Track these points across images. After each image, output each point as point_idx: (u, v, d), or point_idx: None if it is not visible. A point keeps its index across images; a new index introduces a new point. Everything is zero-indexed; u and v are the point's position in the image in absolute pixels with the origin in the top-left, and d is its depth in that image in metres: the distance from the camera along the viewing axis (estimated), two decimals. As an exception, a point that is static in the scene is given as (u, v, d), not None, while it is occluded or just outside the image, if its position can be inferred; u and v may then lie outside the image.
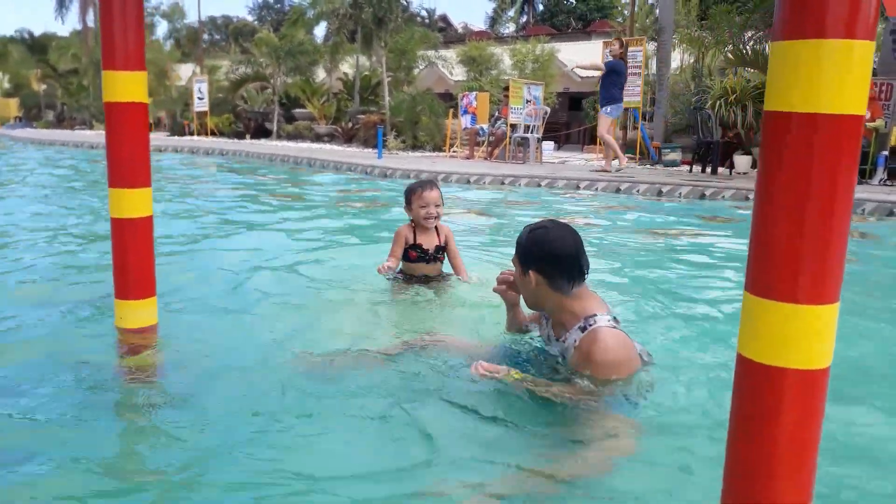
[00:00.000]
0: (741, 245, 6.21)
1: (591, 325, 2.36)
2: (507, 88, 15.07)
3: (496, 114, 15.45)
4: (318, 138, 21.88)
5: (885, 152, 11.32)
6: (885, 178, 11.18)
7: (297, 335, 3.26)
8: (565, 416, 2.27)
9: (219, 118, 24.20)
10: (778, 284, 1.37)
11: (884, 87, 11.87)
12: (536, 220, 2.58)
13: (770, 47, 1.38)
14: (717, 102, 14.48)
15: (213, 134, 23.76)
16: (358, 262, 4.55)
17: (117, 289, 2.96)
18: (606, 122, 12.25)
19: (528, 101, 14.72)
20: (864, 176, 11.49)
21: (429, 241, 3.94)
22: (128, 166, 2.84)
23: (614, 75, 11.95)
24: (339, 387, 2.61)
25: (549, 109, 14.72)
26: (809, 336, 1.37)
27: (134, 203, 2.87)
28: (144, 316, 3.02)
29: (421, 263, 3.95)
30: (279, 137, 22.94)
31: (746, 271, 1.44)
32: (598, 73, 12.83)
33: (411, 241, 3.92)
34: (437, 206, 3.86)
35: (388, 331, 3.29)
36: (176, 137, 23.65)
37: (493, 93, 18.95)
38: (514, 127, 14.64)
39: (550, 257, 2.38)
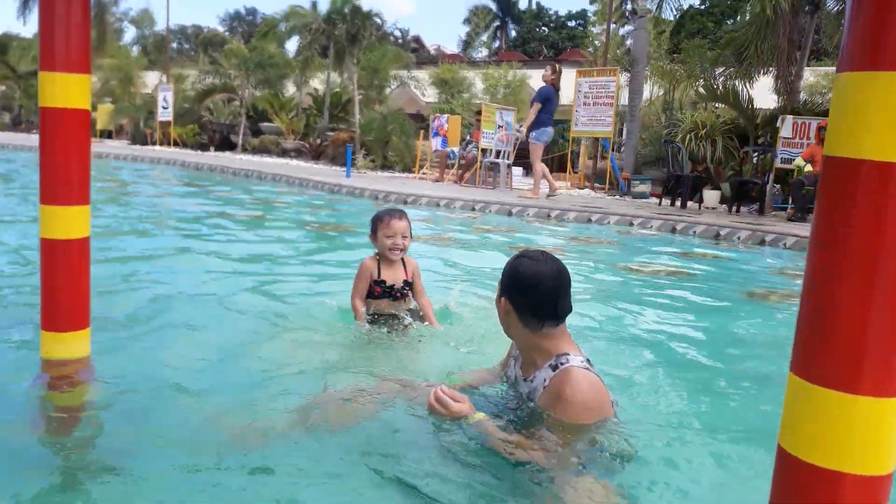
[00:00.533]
0: (718, 286, 6.06)
1: (562, 365, 2.18)
2: (479, 112, 14.94)
3: (468, 137, 15.30)
4: (284, 153, 21.49)
5: None
6: (852, 219, 11.24)
7: (247, 378, 2.95)
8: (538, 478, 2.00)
9: (183, 129, 23.64)
10: (838, 369, 1.13)
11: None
12: (521, 248, 2.35)
13: (835, 81, 1.14)
14: (688, 136, 14.55)
15: (175, 144, 23.18)
16: (320, 291, 4.25)
17: (45, 318, 2.62)
18: (537, 150, 11.93)
19: (500, 127, 14.59)
20: (831, 216, 11.55)
21: (394, 276, 3.65)
22: (63, 181, 2.51)
23: (545, 101, 11.74)
24: (289, 446, 2.29)
25: (520, 136, 14.58)
26: (872, 434, 1.13)
27: (69, 222, 2.54)
28: (75, 348, 2.69)
29: (385, 300, 3.66)
30: (244, 151, 22.48)
31: (794, 348, 1.19)
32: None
33: (375, 276, 3.62)
34: (404, 237, 3.58)
35: (342, 375, 2.97)
36: (137, 146, 23.03)
37: (464, 116, 18.82)
38: (484, 151, 14.48)
39: (524, 289, 2.21)
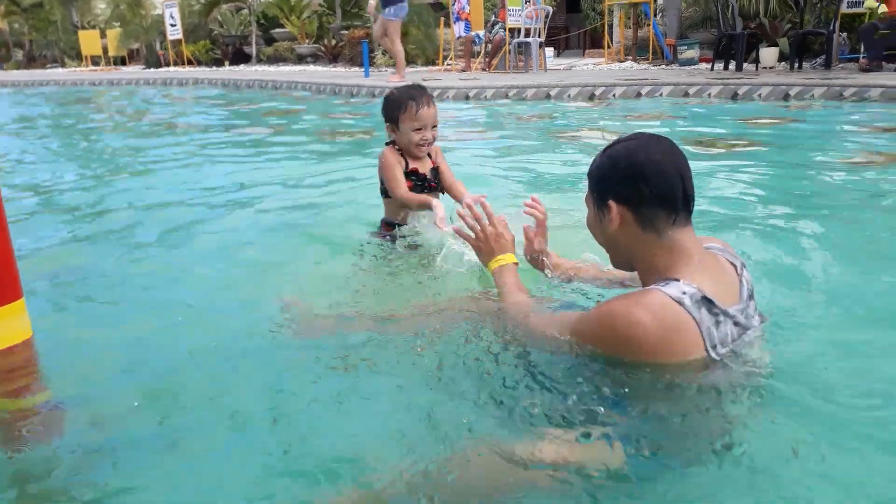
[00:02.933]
0: (806, 153, 5.13)
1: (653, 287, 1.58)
2: (502, -11, 13.56)
3: (493, 18, 13.98)
4: (300, 59, 20.36)
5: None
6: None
7: (263, 323, 2.22)
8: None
9: (195, 46, 22.53)
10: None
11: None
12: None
13: None
14: (737, -11, 13.01)
15: (190, 63, 22.18)
16: (342, 213, 3.51)
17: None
18: (396, 27, 10.60)
19: (527, 2, 13.24)
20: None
21: (423, 165, 2.93)
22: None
23: None
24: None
25: (550, 9, 13.26)
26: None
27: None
28: (11, 330, 2.02)
29: (417, 193, 2.91)
30: (259, 62, 21.39)
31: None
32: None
33: (404, 168, 2.88)
34: (433, 126, 2.83)
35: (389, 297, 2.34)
36: (151, 70, 22.12)
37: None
38: (512, 32, 13.22)
39: (640, 177, 1.58)
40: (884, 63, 10.16)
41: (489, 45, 13.82)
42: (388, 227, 2.98)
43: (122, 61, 26.32)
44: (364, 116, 8.68)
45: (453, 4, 14.93)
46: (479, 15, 14.56)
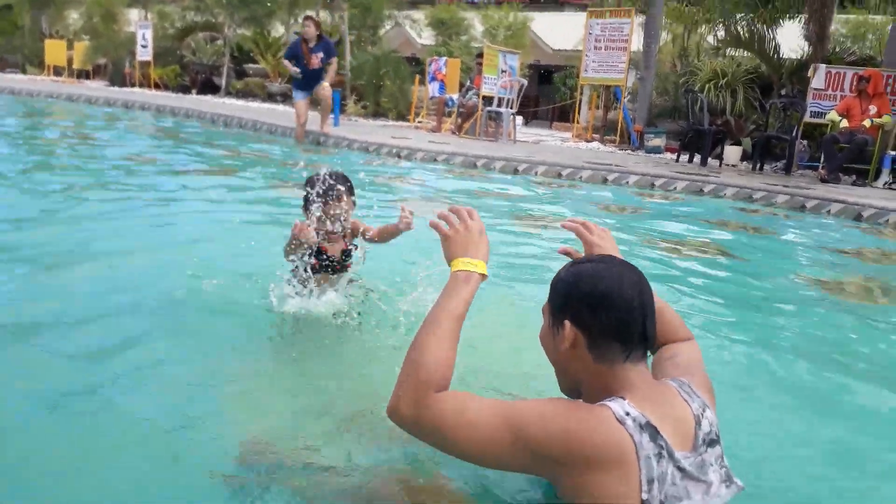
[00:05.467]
0: (774, 267, 5.07)
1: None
2: (480, 55, 13.67)
3: (468, 83, 14.04)
4: (270, 97, 20.15)
5: (893, 152, 10.34)
6: (891, 180, 10.20)
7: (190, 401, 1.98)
8: None
9: (163, 69, 22.17)
10: None
11: (890, 80, 10.86)
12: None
13: None
14: (707, 86, 13.37)
15: (156, 86, 21.76)
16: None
17: None
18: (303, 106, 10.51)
19: (503, 72, 13.35)
20: (869, 177, 10.51)
21: (333, 248, 3.01)
22: None
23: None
24: None
25: (525, 83, 13.38)
26: None
27: None
28: None
29: (324, 274, 2.99)
30: (228, 94, 21.10)
31: None
32: None
33: (314, 247, 2.92)
34: (345, 217, 2.91)
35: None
36: (115, 88, 21.60)
37: (463, 59, 17.49)
38: (486, 99, 13.27)
39: (601, 306, 1.49)
40: (841, 175, 10.43)
41: (462, 109, 13.83)
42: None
43: (86, 75, 25.71)
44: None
45: (430, 64, 14.98)
46: (454, 78, 14.62)
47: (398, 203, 3.00)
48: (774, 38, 13.69)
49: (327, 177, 2.87)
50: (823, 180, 10.10)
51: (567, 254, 1.91)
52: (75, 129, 11.15)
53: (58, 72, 23.89)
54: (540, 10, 28.55)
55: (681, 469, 1.42)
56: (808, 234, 6.75)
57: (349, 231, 3.04)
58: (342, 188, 2.87)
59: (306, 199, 2.90)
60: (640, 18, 14.34)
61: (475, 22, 23.41)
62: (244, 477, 1.81)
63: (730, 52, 15.03)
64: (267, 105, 18.59)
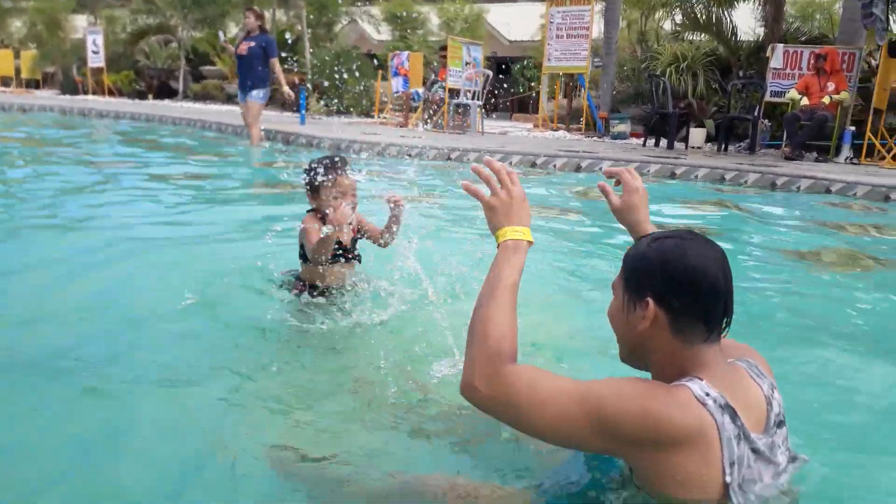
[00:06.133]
0: (756, 243, 5.17)
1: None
2: (443, 48, 13.65)
3: (432, 77, 14.02)
4: (229, 99, 19.85)
5: (852, 128, 10.63)
6: (852, 155, 10.49)
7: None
8: None
9: (117, 75, 21.69)
10: None
11: (846, 57, 11.15)
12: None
13: None
14: (668, 70, 13.56)
15: (110, 93, 21.28)
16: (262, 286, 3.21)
17: None
18: (258, 109, 9.83)
19: (467, 63, 13.36)
20: (830, 153, 10.79)
21: (342, 235, 2.82)
22: None
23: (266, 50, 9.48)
24: None
25: (490, 74, 13.41)
26: None
27: None
28: None
29: (336, 265, 2.91)
30: (186, 98, 20.75)
31: None
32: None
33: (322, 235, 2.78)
34: (354, 194, 2.83)
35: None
36: (67, 97, 21.07)
37: (424, 54, 17.47)
38: (451, 92, 13.27)
39: (690, 287, 1.44)
40: (804, 152, 10.68)
41: (428, 103, 13.81)
42: (302, 286, 3.00)
43: (35, 84, 25.03)
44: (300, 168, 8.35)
45: (392, 59, 14.92)
46: (417, 72, 14.60)
47: (379, 198, 2.95)
48: (731, 20, 13.95)
49: (330, 157, 2.86)
50: (788, 158, 10.33)
51: (604, 191, 1.89)
52: (43, 140, 10.83)
53: (5, 82, 23.22)
54: (494, 2, 28.61)
55: (755, 451, 1.42)
56: (783, 209, 6.90)
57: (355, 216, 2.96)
58: (346, 161, 2.85)
59: (311, 184, 2.84)
60: (599, 6, 14.47)
61: (431, 15, 23.40)
62: (267, 475, 1.80)
63: (688, 35, 15.26)
64: (227, 107, 18.31)
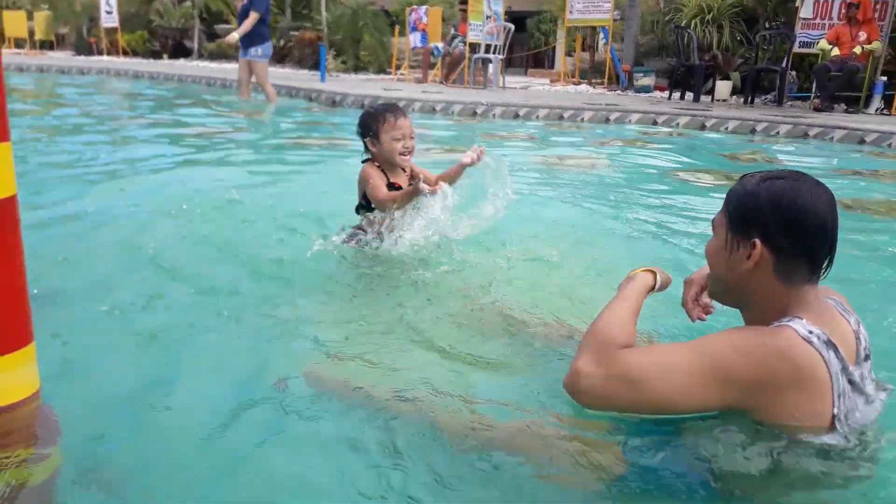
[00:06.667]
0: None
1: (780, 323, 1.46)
2: (464, 2, 13.42)
3: (452, 31, 13.82)
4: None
5: (883, 78, 10.42)
6: (882, 106, 10.31)
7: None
8: None
9: (131, 35, 21.51)
10: None
11: (878, 6, 10.87)
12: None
13: None
14: (693, 21, 13.30)
15: (125, 53, 21.13)
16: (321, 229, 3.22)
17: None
18: (265, 69, 9.74)
19: (488, 17, 13.14)
20: (860, 104, 10.61)
21: (402, 181, 2.96)
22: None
23: (266, 11, 9.39)
24: None
25: (512, 27, 13.20)
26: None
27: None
28: (16, 383, 1.66)
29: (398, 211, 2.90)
30: (200, 57, 20.60)
31: None
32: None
33: (386, 181, 2.90)
34: (411, 137, 2.87)
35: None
36: (82, 58, 20.96)
37: (442, 8, 17.19)
38: (472, 47, 13.09)
39: (797, 227, 1.44)
40: (836, 105, 10.51)
41: (448, 58, 13.65)
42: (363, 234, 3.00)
43: (49, 46, 24.90)
44: (330, 124, 8.32)
45: (410, 14, 14.70)
46: (436, 27, 14.38)
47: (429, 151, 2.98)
48: (758, -31, 13.59)
49: (384, 104, 2.91)
50: (818, 109, 10.17)
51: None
52: (74, 102, 10.82)
53: (19, 44, 23.11)
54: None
55: (851, 382, 1.46)
56: (818, 159, 6.82)
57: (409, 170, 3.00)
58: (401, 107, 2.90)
59: (369, 128, 2.85)
60: (621, -44, 14.14)
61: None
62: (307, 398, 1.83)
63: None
64: (243, 66, 18.14)
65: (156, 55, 21.15)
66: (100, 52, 21.72)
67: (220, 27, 21.01)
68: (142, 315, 2.40)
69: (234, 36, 9.33)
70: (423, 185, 2.68)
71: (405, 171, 2.97)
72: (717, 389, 1.42)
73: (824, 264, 1.50)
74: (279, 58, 19.20)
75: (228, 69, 16.64)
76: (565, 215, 3.80)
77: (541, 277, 2.80)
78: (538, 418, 1.72)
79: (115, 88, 12.63)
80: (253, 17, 9.16)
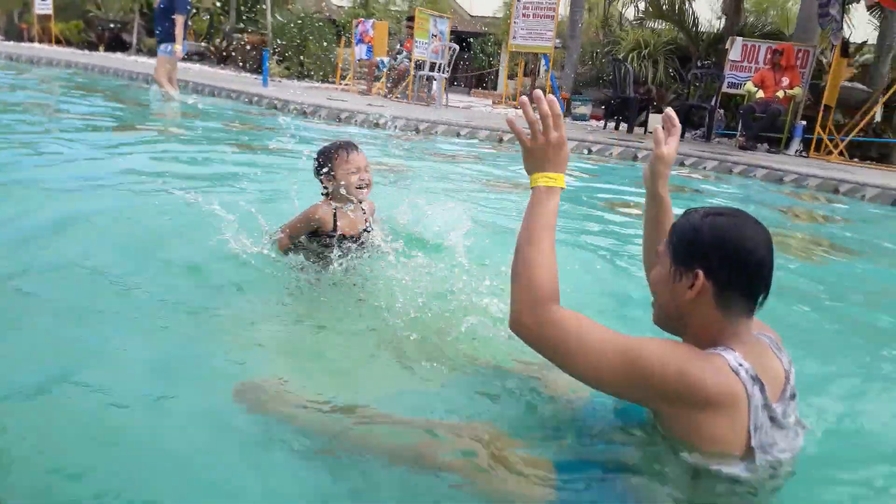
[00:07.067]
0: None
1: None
2: (411, 19, 13.58)
3: (398, 47, 13.95)
4: (185, 57, 19.30)
5: (803, 122, 11.06)
6: (801, 148, 10.94)
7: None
8: None
9: (65, 25, 20.85)
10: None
11: (800, 54, 11.56)
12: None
13: None
14: (630, 55, 13.83)
15: (58, 42, 20.44)
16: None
17: None
18: (172, 64, 9.73)
19: (433, 36, 13.34)
20: (781, 145, 11.22)
21: (353, 226, 2.92)
22: None
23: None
24: None
25: (457, 48, 13.42)
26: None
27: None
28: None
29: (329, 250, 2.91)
30: (139, 52, 20.11)
31: None
32: None
33: (329, 228, 2.87)
34: (367, 170, 2.88)
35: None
36: (11, 43, 20.16)
37: (389, 22, 17.32)
38: (417, 63, 13.24)
39: (741, 264, 1.54)
40: (759, 144, 11.09)
41: (393, 73, 13.76)
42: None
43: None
44: (269, 130, 8.27)
45: (357, 27, 14.76)
46: (382, 41, 14.48)
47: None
48: (693, 10, 14.27)
49: (335, 141, 2.91)
50: (742, 147, 10.70)
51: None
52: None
53: (-57, 25, 22.07)
54: (457, -24, 28.44)
55: (772, 418, 1.56)
56: (741, 195, 7.19)
57: (367, 210, 3.00)
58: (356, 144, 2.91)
59: (322, 165, 2.85)
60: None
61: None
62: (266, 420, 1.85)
63: (650, 23, 15.55)
64: (183, 64, 17.79)
65: (91, 46, 20.53)
66: (31, 40, 20.94)
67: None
68: (57, 325, 2.33)
69: (179, 48, 9.26)
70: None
71: (364, 212, 2.96)
72: (632, 386, 1.53)
73: (760, 298, 1.60)
74: (221, 59, 18.93)
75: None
76: (497, 236, 3.91)
77: (471, 294, 2.87)
78: (462, 431, 1.77)
79: (44, 76, 12.20)
80: (180, 19, 9.19)
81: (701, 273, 1.56)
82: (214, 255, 2.92)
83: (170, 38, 9.44)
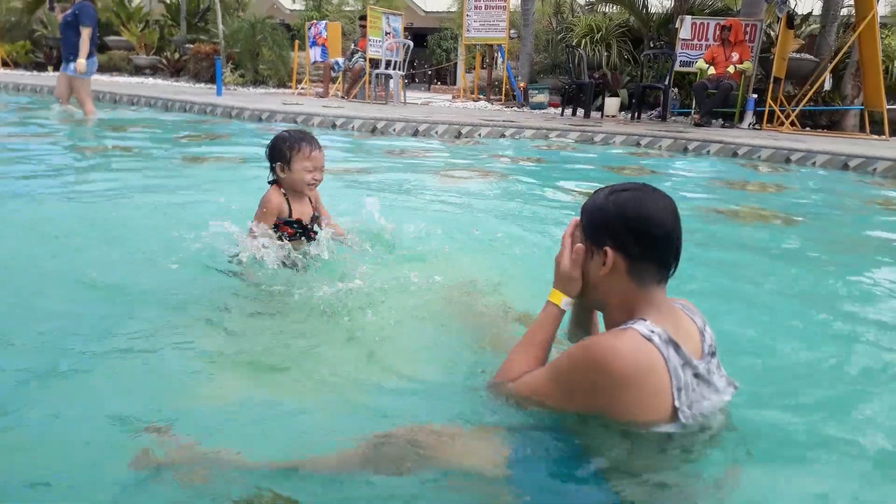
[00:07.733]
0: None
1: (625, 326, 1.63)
2: (363, 18, 13.55)
3: (353, 47, 13.91)
4: (138, 71, 19.03)
5: (754, 95, 11.24)
6: (755, 121, 11.12)
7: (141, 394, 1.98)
8: None
9: (11, 46, 20.41)
10: None
11: (748, 29, 11.74)
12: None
13: None
14: (583, 41, 13.93)
15: (5, 64, 20.03)
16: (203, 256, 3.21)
17: None
18: (88, 86, 9.11)
19: (387, 34, 13.31)
20: (735, 119, 11.40)
21: (303, 212, 3.00)
22: None
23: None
24: None
25: (411, 44, 13.40)
26: None
27: None
28: None
29: (296, 241, 2.98)
30: (90, 70, 19.77)
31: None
32: None
33: (286, 215, 2.94)
34: (322, 170, 2.94)
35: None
36: (-42, 67, 19.72)
37: (342, 23, 17.25)
38: (373, 62, 13.21)
39: (642, 231, 1.62)
40: (713, 120, 11.25)
41: (348, 73, 13.72)
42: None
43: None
44: (223, 139, 8.21)
45: (310, 29, 14.68)
46: (336, 42, 14.43)
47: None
48: (642, -9, 14.40)
49: (300, 131, 2.93)
50: (697, 124, 10.86)
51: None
52: None
53: None
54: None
55: (696, 375, 1.63)
56: (696, 171, 7.31)
57: (312, 198, 3.04)
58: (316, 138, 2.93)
59: (280, 153, 2.84)
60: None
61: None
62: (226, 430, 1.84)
63: (601, 7, 15.67)
64: (136, 79, 17.58)
65: (39, 67, 20.15)
66: (-24, 63, 20.48)
67: (110, 38, 20.24)
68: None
69: (82, 63, 8.79)
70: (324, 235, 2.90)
71: (311, 201, 3.01)
72: (571, 398, 1.63)
73: (671, 266, 1.67)
74: (174, 71, 18.68)
75: (121, 82, 16.09)
76: (454, 228, 3.94)
77: (429, 292, 2.88)
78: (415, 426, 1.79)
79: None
80: (86, 32, 8.64)
81: (609, 250, 1.64)
82: (180, 270, 2.92)
83: (77, 55, 8.76)
